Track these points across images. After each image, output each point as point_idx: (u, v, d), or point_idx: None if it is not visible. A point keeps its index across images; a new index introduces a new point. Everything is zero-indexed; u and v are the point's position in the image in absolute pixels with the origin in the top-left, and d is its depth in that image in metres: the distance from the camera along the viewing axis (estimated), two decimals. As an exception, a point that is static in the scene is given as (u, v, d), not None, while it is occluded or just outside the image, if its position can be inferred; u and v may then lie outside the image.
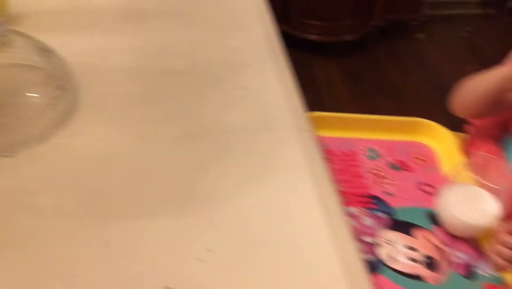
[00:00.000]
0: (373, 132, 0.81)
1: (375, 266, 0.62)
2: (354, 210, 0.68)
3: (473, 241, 0.66)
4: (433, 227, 0.68)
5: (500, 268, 0.60)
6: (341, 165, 0.75)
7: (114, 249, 0.45)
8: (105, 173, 0.52)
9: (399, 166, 0.76)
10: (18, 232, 0.44)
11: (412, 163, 0.77)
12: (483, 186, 0.66)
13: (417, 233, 0.67)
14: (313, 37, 2.04)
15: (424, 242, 0.65)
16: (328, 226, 0.53)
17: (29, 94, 0.49)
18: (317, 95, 1.96)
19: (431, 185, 0.73)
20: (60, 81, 0.54)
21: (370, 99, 2.09)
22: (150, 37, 0.76)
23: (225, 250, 0.50)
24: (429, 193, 0.71)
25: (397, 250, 0.64)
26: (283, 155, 0.63)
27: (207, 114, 0.67)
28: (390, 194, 0.71)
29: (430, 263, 0.63)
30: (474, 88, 0.74)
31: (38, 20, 0.74)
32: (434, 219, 0.68)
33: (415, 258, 0.63)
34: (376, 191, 0.71)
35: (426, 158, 0.78)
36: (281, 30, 2.38)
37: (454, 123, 0.86)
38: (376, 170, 0.75)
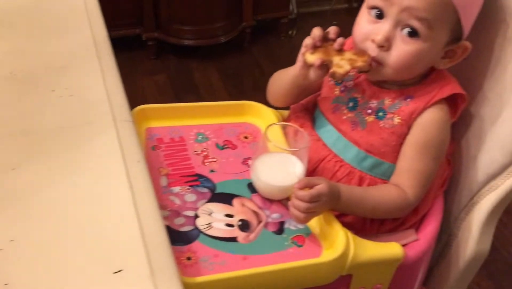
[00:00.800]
0: (203, 118, 0.87)
1: (194, 235, 0.67)
2: (178, 188, 0.74)
3: (285, 201, 0.73)
4: (251, 195, 0.74)
5: (300, 220, 0.68)
6: (169, 150, 0.80)
7: None
8: None
9: (225, 145, 0.82)
10: None
11: (238, 141, 0.84)
12: (288, 151, 0.74)
13: (236, 201, 0.73)
14: (188, 42, 2.09)
15: (241, 208, 0.72)
16: (135, 208, 0.58)
17: None
18: (198, 97, 2.02)
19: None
20: None
21: (248, 96, 2.20)
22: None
23: (28, 240, 0.53)
24: (250, 166, 0.78)
25: (214, 218, 0.70)
26: (99, 145, 0.67)
27: (22, 116, 0.70)
28: (213, 171, 0.77)
29: (244, 225, 0.69)
30: (277, 83, 0.84)
31: None
32: (252, 187, 0.75)
33: (231, 223, 0.70)
34: (201, 170, 0.77)
35: (250, 135, 0.85)
36: (156, 38, 2.40)
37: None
38: (203, 151, 0.80)
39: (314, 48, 0.74)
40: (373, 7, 0.72)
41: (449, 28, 0.71)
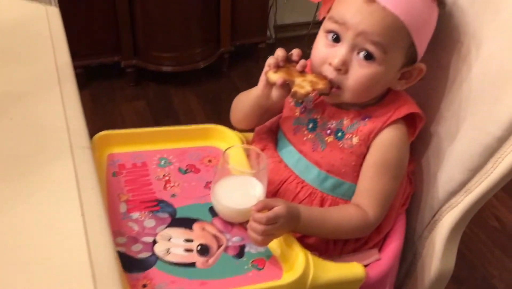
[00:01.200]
0: (167, 143, 0.87)
1: (151, 262, 0.67)
2: (137, 214, 0.73)
3: (246, 224, 0.73)
4: (212, 218, 0.74)
5: (258, 243, 0.68)
6: (130, 176, 0.79)
7: None
8: None
9: (187, 169, 0.82)
10: None
11: (201, 165, 0.84)
12: (248, 174, 0.75)
13: (196, 226, 0.73)
14: (167, 68, 2.11)
15: (201, 233, 0.71)
16: (86, 236, 0.57)
17: None
18: (177, 123, 2.02)
19: (215, 182, 0.80)
20: None
21: (227, 120, 2.21)
22: None
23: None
24: (211, 189, 0.78)
25: (173, 244, 0.69)
26: (54, 172, 0.67)
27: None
28: (175, 196, 0.77)
29: (203, 250, 0.69)
30: (240, 104, 0.85)
31: None
32: (213, 211, 0.75)
33: (190, 248, 0.69)
34: (162, 195, 0.77)
35: (214, 159, 0.85)
36: (135, 65, 2.41)
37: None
38: (165, 176, 0.80)
39: (277, 68, 0.75)
40: (330, 31, 0.73)
41: (403, 51, 0.72)
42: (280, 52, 0.75)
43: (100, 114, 2.01)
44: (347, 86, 0.73)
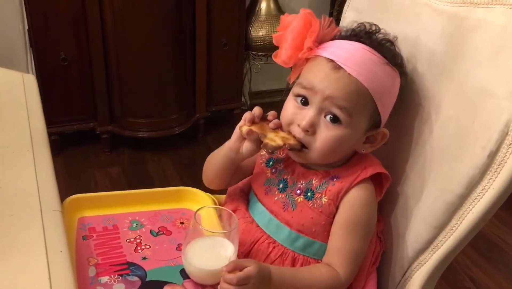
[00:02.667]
0: (139, 205, 0.87)
1: (119, 328, 0.65)
2: (106, 278, 0.72)
3: (217, 285, 0.72)
4: (183, 281, 0.73)
5: (228, 304, 0.67)
6: (101, 239, 0.79)
7: None
8: None
9: (159, 232, 0.82)
10: None
11: (173, 227, 0.84)
12: (219, 234, 0.75)
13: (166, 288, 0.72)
14: (142, 134, 2.13)
15: (171, 296, 0.70)
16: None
17: None
18: (150, 188, 2.01)
19: (187, 244, 0.79)
20: None
21: (203, 185, 2.21)
22: None
23: None
24: (182, 251, 0.78)
25: (142, 308, 0.68)
26: (23, 236, 0.66)
27: None
28: (145, 258, 0.76)
29: (172, 314, 0.68)
30: (211, 162, 0.87)
31: None
32: (184, 273, 0.74)
33: (159, 311, 0.68)
34: (133, 258, 0.76)
35: (187, 221, 0.85)
36: (111, 131, 2.43)
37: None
38: (136, 238, 0.80)
39: (252, 123, 0.78)
40: (298, 95, 0.77)
41: (368, 115, 0.76)
42: (257, 110, 0.79)
43: (74, 180, 1.99)
44: (315, 147, 0.75)
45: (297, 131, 0.76)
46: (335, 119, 0.74)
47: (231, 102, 2.35)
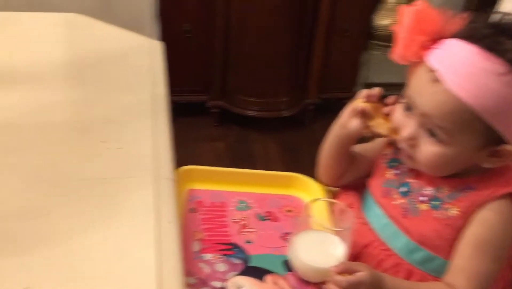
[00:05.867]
0: (247, 186, 0.84)
1: (218, 308, 0.63)
2: (210, 256, 0.70)
3: (322, 284, 0.67)
4: (286, 273, 0.69)
5: (334, 307, 0.62)
6: (208, 215, 0.77)
7: None
8: None
9: (266, 216, 0.79)
10: None
11: (280, 214, 0.80)
12: (331, 231, 0.69)
13: (269, 278, 0.68)
14: (251, 113, 2.12)
15: (273, 287, 0.67)
16: (157, 271, 0.55)
17: None
18: (252, 168, 2.00)
19: (294, 234, 0.75)
20: None
21: (305, 172, 2.17)
22: (40, 94, 0.82)
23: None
24: (288, 241, 0.74)
25: (243, 293, 0.65)
26: (135, 200, 0.66)
27: (68, 163, 0.70)
28: (250, 242, 0.73)
29: (273, 306, 0.64)
30: (323, 149, 0.82)
31: None
32: (288, 265, 0.70)
33: (259, 301, 0.64)
34: (237, 240, 0.74)
35: (294, 209, 0.81)
36: (220, 106, 2.46)
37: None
38: (242, 219, 0.77)
39: (368, 101, 0.74)
40: (404, 100, 0.71)
41: (476, 134, 0.65)
42: (377, 89, 0.75)
43: (179, 150, 2.04)
44: (419, 160, 0.70)
45: (400, 141, 0.70)
46: (434, 136, 0.66)
47: (343, 91, 2.26)
